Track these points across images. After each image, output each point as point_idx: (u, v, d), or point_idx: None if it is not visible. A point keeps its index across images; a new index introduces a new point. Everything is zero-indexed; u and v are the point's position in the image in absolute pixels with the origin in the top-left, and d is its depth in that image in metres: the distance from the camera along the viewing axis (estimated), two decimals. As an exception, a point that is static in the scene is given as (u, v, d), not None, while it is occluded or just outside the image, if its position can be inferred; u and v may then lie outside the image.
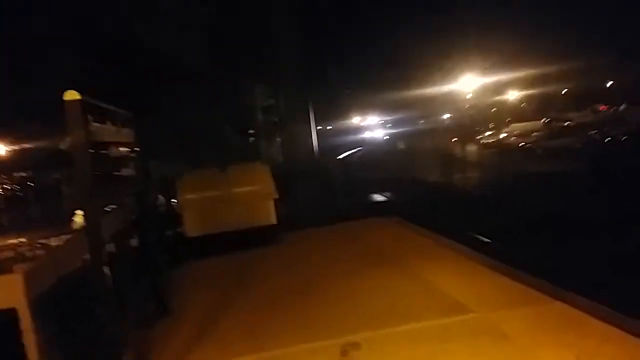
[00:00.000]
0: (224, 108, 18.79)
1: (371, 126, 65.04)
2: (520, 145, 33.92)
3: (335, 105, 47.73)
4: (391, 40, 35.50)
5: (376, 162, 35.57)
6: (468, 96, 42.06)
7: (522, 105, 47.25)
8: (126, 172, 4.83)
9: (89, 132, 3.59)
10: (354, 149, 51.34)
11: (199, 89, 15.94)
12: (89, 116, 3.61)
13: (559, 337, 3.98)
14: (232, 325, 5.25)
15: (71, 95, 3.40)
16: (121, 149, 4.66)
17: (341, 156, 45.15)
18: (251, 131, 26.20)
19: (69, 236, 4.03)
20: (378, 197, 18.97)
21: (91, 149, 3.56)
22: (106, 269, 3.78)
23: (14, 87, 8.10)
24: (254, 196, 8.61)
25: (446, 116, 49.17)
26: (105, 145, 4.09)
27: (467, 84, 38.24)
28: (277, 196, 8.75)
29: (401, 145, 50.26)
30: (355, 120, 58.24)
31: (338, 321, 4.92)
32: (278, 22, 17.96)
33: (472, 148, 38.83)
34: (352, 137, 57.63)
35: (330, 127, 51.63)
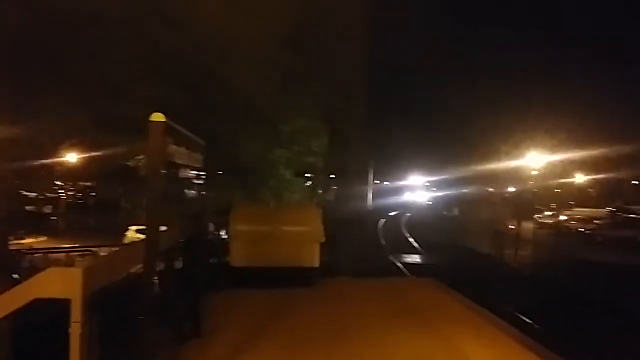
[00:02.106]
0: (286, 148, 19.36)
1: (427, 188, 62.88)
2: (580, 230, 32.84)
3: (395, 163, 47.98)
4: (460, 110, 35.82)
5: (427, 224, 35.21)
6: (533, 173, 41.16)
7: (588, 190, 45.81)
8: (189, 195, 5.15)
9: (167, 153, 3.92)
10: (408, 206, 50.73)
11: (266, 127, 16.57)
12: (169, 138, 3.96)
13: None
14: (259, 355, 5.38)
15: (157, 117, 3.75)
16: (189, 172, 4.99)
17: (393, 213, 44.97)
18: (309, 175, 26.70)
19: (124, 246, 4.32)
20: (422, 259, 18.78)
21: (165, 169, 3.87)
22: (155, 282, 4.03)
23: (97, 100, 8.76)
24: (302, 237, 8.81)
25: (507, 190, 48.23)
26: (177, 166, 4.42)
27: (534, 160, 37.57)
28: (323, 240, 8.91)
29: (455, 212, 49.44)
30: (413, 180, 57.45)
31: None
32: (351, 76, 18.60)
33: (528, 225, 37.80)
34: (407, 196, 57.16)
35: (388, 183, 51.59)
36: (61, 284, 2.99)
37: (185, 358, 5.16)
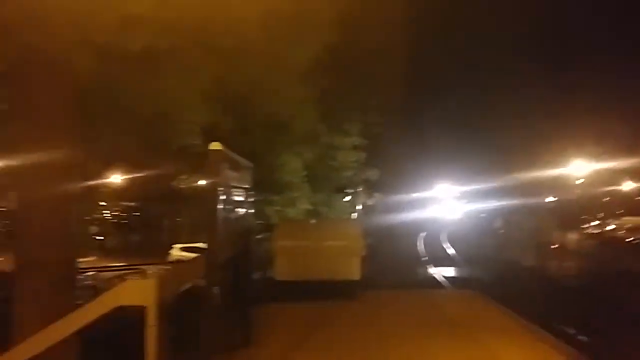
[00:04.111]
0: (325, 166, 19.82)
1: (465, 199, 59.66)
2: (628, 240, 31.81)
3: (432, 174, 47.46)
4: (498, 116, 35.32)
5: (469, 237, 34.91)
6: (578, 182, 40.05)
7: (637, 198, 44.26)
8: (239, 213, 5.58)
9: (224, 177, 4.37)
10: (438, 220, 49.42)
11: (304, 145, 17.07)
12: (225, 163, 4.41)
13: None
14: None
15: (215, 146, 4.22)
16: (239, 192, 5.44)
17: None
18: (349, 190, 27.07)
19: (186, 261, 4.75)
20: (462, 272, 18.78)
21: (221, 191, 4.32)
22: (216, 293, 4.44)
23: (144, 125, 9.30)
24: (343, 251, 9.16)
25: (550, 199, 46.85)
26: (230, 187, 4.86)
27: (579, 168, 36.62)
28: (364, 254, 9.24)
29: (497, 224, 48.53)
30: (442, 190, 55.14)
31: None
32: (387, 91, 18.96)
33: (573, 236, 36.95)
34: (446, 209, 55.65)
35: (426, 197, 50.59)
36: (138, 292, 3.45)
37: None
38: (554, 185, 40.91)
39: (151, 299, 3.42)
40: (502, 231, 42.96)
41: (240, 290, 6.42)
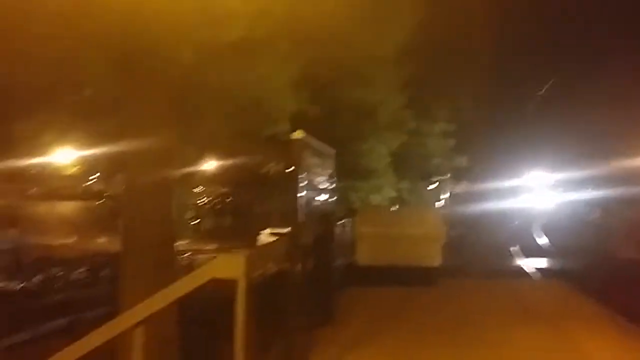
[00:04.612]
0: (411, 153, 19.76)
1: (560, 187, 55.57)
2: None
3: (525, 161, 45.41)
4: (602, 99, 33.15)
5: (563, 228, 33.26)
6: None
7: None
8: (321, 199, 5.88)
9: (305, 164, 4.68)
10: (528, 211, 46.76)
11: (392, 131, 17.15)
12: (307, 151, 4.71)
13: None
14: (382, 343, 6.01)
15: (297, 134, 4.52)
16: (322, 179, 5.73)
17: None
18: (435, 178, 26.77)
19: (271, 242, 5.12)
20: (553, 263, 18.04)
21: (304, 178, 4.63)
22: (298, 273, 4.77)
23: (236, 113, 9.79)
24: (424, 238, 9.26)
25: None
26: (313, 174, 5.16)
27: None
28: (445, 241, 9.28)
29: (595, 214, 45.68)
30: (545, 180, 52.25)
31: (477, 355, 5.47)
32: (476, 75, 18.55)
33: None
34: (539, 199, 52.86)
35: (518, 185, 48.38)
36: (229, 266, 3.84)
37: (320, 340, 5.89)
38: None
39: (241, 273, 3.79)
40: (600, 222, 40.37)
41: (322, 273, 6.75)
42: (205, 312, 8.53)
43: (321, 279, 6.70)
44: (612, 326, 7.02)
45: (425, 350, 5.67)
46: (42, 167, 32.86)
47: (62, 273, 21.79)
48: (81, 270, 22.37)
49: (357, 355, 5.57)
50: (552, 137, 41.57)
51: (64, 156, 26.52)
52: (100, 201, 37.91)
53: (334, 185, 6.81)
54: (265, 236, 23.31)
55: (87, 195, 41.78)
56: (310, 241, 6.15)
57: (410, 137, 18.66)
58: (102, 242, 31.62)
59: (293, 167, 4.54)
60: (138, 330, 3.94)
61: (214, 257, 4.77)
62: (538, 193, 50.86)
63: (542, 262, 19.71)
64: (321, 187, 5.79)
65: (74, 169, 35.58)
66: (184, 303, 4.59)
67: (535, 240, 28.38)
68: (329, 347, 5.70)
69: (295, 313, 4.83)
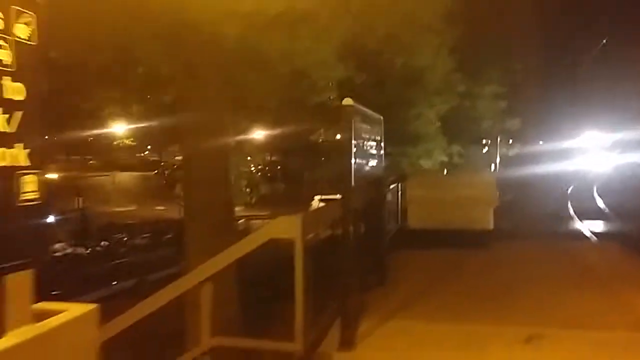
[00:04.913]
0: (461, 117, 19.49)
1: (618, 148, 52.22)
2: None
3: (581, 122, 43.69)
4: None
5: (621, 190, 32.05)
6: None
7: None
8: (371, 164, 6.03)
9: (356, 130, 4.83)
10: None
11: (441, 96, 16.97)
12: (356, 118, 4.85)
13: None
14: (435, 301, 6.23)
15: (347, 101, 4.67)
16: (371, 144, 5.87)
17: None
18: (487, 141, 26.29)
19: (325, 205, 5.33)
20: (613, 225, 17.58)
21: (354, 144, 4.78)
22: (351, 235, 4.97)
23: (285, 84, 9.98)
24: (475, 201, 9.28)
25: None
26: (362, 140, 5.31)
27: None
28: (497, 204, 9.27)
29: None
30: (602, 141, 49.88)
31: (525, 316, 5.54)
32: (523, 36, 17.97)
33: None
34: (596, 160, 50.83)
35: (574, 147, 46.67)
36: (287, 227, 4.09)
37: (373, 300, 6.13)
38: None
39: (298, 233, 4.04)
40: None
41: (374, 236, 6.95)
42: (266, 274, 8.97)
43: (373, 242, 6.90)
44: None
45: (473, 310, 5.82)
46: (102, 139, 34.38)
47: (126, 239, 23.04)
48: (144, 235, 23.62)
49: (407, 313, 5.79)
50: (607, 97, 39.72)
51: (122, 129, 27.67)
52: (156, 171, 39.23)
53: (383, 151, 6.92)
54: (317, 202, 23.75)
55: (144, 165, 43.47)
56: (362, 206, 6.33)
57: (460, 101, 18.38)
58: (160, 209, 33.10)
59: (344, 134, 4.69)
60: (205, 287, 4.27)
61: (269, 221, 5.03)
62: (594, 154, 48.68)
63: (598, 225, 19.24)
64: (371, 152, 5.92)
65: (131, 141, 36.96)
66: (248, 265, 4.91)
67: (592, 203, 27.56)
68: (381, 306, 5.92)
69: (349, 275, 5.05)
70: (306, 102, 12.81)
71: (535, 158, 36.91)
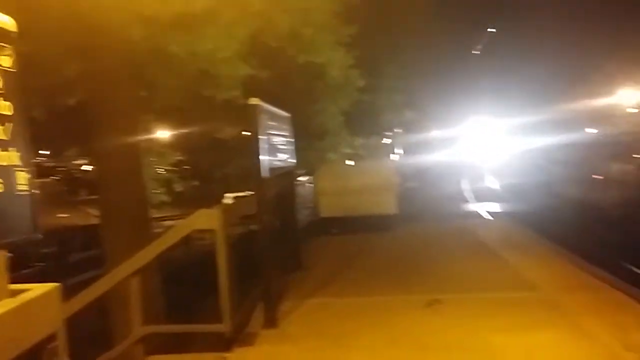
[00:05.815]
0: (362, 111, 20.34)
1: (509, 134, 55.51)
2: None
3: (474, 110, 46.60)
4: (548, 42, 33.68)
5: (513, 173, 34.70)
6: (629, 110, 38.35)
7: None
8: (280, 158, 6.45)
9: (263, 128, 5.23)
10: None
11: (341, 91, 17.61)
12: (263, 116, 5.25)
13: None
14: (347, 279, 6.98)
15: (253, 100, 5.07)
16: (280, 140, 6.29)
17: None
18: (387, 133, 27.48)
19: (243, 197, 5.68)
20: (507, 206, 19.18)
21: (261, 140, 5.17)
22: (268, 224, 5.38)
23: (191, 82, 10.16)
24: (379, 188, 10.06)
25: (592, 131, 45.25)
26: (269, 137, 5.70)
27: (628, 97, 35.08)
28: (399, 190, 10.09)
29: (543, 158, 47.24)
30: (493, 126, 53.07)
31: (427, 285, 6.36)
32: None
33: (626, 167, 35.80)
34: (489, 145, 54.29)
35: (468, 134, 49.43)
36: (208, 219, 4.45)
37: (292, 283, 6.64)
38: (598, 115, 39.42)
39: (218, 224, 4.40)
40: (547, 165, 42.10)
41: (289, 225, 7.42)
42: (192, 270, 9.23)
43: (289, 231, 7.37)
44: (544, 252, 8.04)
45: (382, 285, 6.51)
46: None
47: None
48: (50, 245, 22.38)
49: (323, 291, 6.40)
50: (497, 86, 42.84)
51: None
52: (58, 177, 37.10)
53: (292, 146, 7.36)
54: (229, 200, 23.72)
55: (39, 172, 40.72)
56: (274, 199, 6.74)
57: (360, 95, 19.19)
58: (63, 217, 31.40)
59: (251, 131, 5.07)
60: (134, 279, 4.50)
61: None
62: (487, 139, 52.31)
63: (495, 206, 20.88)
64: (280, 148, 6.34)
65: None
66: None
67: (487, 186, 29.74)
68: (300, 288, 6.44)
69: (268, 261, 5.45)
70: (215, 100, 12.94)
71: (435, 146, 39.09)
